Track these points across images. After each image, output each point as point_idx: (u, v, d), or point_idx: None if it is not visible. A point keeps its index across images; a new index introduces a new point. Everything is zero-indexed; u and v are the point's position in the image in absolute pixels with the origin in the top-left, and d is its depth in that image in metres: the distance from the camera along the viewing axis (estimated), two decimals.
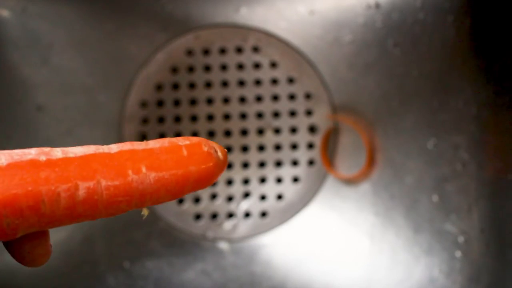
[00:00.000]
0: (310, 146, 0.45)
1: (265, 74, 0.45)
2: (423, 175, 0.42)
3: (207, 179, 0.21)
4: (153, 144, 0.20)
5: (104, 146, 0.19)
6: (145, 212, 0.21)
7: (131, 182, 0.19)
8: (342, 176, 0.44)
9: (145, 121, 0.45)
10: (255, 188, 0.45)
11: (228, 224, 0.44)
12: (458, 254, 0.40)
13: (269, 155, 0.45)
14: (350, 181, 0.44)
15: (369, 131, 0.44)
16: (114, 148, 0.19)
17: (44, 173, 0.17)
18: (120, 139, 0.45)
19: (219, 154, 0.21)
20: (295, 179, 0.45)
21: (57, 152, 0.18)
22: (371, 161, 0.43)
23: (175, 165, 0.20)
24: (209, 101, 0.46)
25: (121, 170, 0.19)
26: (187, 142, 0.21)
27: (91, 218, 0.19)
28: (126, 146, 0.20)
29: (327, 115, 0.45)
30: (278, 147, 0.45)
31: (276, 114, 0.45)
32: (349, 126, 0.44)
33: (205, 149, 0.21)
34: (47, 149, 0.18)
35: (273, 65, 0.45)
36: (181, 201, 0.45)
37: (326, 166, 0.44)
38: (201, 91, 0.46)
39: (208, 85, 0.46)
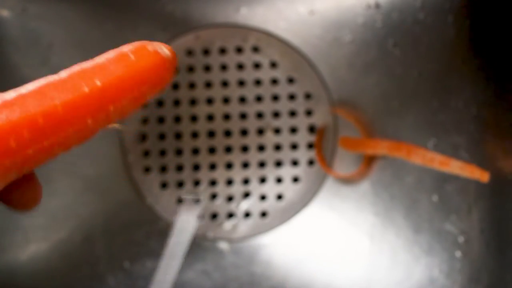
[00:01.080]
0: (310, 146, 0.45)
1: (265, 74, 0.45)
2: (423, 175, 0.42)
3: (162, 76, 0.21)
4: (99, 59, 0.20)
5: (54, 75, 0.19)
6: (115, 125, 0.21)
7: (89, 95, 0.19)
8: (339, 175, 0.44)
9: (145, 121, 0.45)
10: (255, 188, 0.45)
11: (228, 224, 0.44)
12: (458, 254, 0.40)
13: (269, 155, 0.45)
14: (348, 180, 0.44)
15: (368, 128, 0.44)
16: (64, 73, 0.19)
17: (4, 114, 0.17)
18: (120, 139, 0.45)
19: (165, 50, 0.22)
20: (295, 179, 0.45)
21: (11, 93, 0.18)
22: (369, 160, 0.43)
23: (128, 70, 0.20)
24: (209, 101, 0.46)
25: (77, 88, 0.19)
26: (131, 47, 0.21)
27: (64, 147, 0.18)
28: (75, 68, 0.20)
29: (330, 108, 0.45)
30: (278, 147, 0.45)
31: (276, 114, 0.45)
32: (349, 124, 0.44)
33: (150, 48, 0.21)
34: None
35: (273, 65, 0.45)
36: (180, 201, 0.45)
37: (322, 165, 0.44)
38: (201, 91, 0.46)
39: (208, 85, 0.46)
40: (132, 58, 0.21)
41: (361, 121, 0.44)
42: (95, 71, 0.20)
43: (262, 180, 0.45)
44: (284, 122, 0.45)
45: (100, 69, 0.20)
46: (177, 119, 0.45)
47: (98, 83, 0.19)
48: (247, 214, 0.45)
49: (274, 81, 0.45)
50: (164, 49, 0.22)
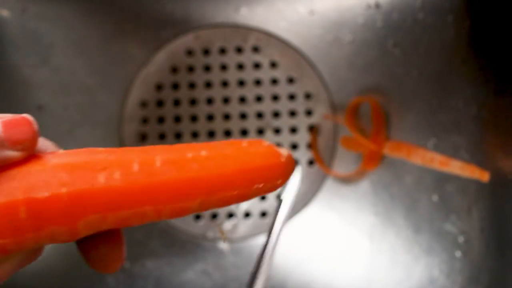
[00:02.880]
0: (310, 146, 0.45)
1: (265, 74, 0.45)
2: (423, 175, 0.42)
3: (272, 168, 0.20)
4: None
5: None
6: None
7: (190, 159, 0.18)
8: (336, 173, 0.44)
9: (145, 121, 0.45)
10: None
11: (228, 224, 0.44)
12: (458, 254, 0.40)
13: None
14: (348, 180, 0.44)
15: (366, 131, 0.44)
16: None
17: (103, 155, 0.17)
18: (120, 139, 0.45)
19: (283, 150, 0.21)
20: None
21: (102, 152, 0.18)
22: (369, 159, 0.43)
23: (236, 150, 0.20)
24: (209, 101, 0.46)
25: (181, 152, 0.19)
26: (247, 140, 0.21)
27: (156, 202, 0.18)
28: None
29: (325, 115, 0.45)
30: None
31: (276, 114, 0.45)
32: (348, 125, 0.44)
33: (265, 143, 0.21)
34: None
35: (273, 65, 0.45)
36: None
37: (320, 164, 0.44)
38: (201, 91, 0.46)
39: (208, 85, 0.46)
40: (244, 144, 0.20)
41: (357, 125, 0.44)
42: (203, 146, 0.19)
43: None
44: (284, 122, 0.45)
45: (210, 145, 0.19)
46: (177, 119, 0.45)
47: (204, 153, 0.19)
48: (247, 214, 0.45)
49: (274, 81, 0.45)
50: (282, 149, 0.21)
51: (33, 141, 0.16)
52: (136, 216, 0.17)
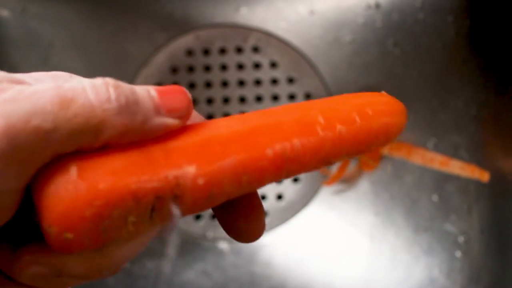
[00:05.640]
0: None
1: (265, 74, 0.45)
2: (423, 175, 0.42)
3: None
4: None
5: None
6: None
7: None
8: (338, 174, 0.44)
9: None
10: None
11: None
12: (458, 254, 0.40)
13: None
14: (348, 180, 0.44)
15: None
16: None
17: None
18: None
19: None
20: (295, 179, 0.45)
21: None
22: (366, 160, 0.43)
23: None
24: (209, 101, 0.46)
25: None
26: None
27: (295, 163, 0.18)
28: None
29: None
30: None
31: None
32: None
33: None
34: None
35: (273, 65, 0.45)
36: None
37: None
38: (201, 91, 0.46)
39: (208, 85, 0.46)
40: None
41: None
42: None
43: None
44: None
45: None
46: None
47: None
48: None
49: (274, 81, 0.45)
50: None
51: (189, 109, 0.16)
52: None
